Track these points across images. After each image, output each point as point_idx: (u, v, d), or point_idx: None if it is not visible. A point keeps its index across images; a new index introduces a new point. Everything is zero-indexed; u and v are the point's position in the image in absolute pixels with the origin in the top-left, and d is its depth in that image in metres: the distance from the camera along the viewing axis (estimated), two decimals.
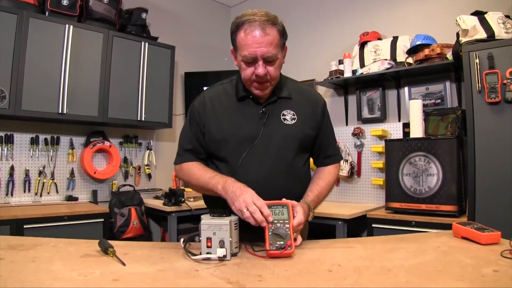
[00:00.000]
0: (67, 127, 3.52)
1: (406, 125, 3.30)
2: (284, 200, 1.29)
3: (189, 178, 1.45)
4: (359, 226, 3.27)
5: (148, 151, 4.08)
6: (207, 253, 1.15)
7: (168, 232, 3.55)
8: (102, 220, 3.14)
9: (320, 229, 2.96)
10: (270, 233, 1.19)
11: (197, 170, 1.42)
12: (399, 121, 3.51)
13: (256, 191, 1.24)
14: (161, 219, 3.90)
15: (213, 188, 1.33)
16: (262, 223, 1.19)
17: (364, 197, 3.68)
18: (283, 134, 1.41)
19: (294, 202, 1.32)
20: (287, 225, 1.22)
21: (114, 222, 3.52)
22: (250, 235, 1.26)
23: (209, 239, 1.15)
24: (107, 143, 3.70)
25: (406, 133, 3.30)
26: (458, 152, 2.68)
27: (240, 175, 1.37)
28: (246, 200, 1.20)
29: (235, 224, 1.21)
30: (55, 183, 3.45)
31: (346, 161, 3.68)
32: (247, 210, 1.19)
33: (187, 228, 3.66)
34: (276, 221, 1.22)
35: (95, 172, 3.63)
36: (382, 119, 3.60)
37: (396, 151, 2.93)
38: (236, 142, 1.40)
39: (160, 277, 1.00)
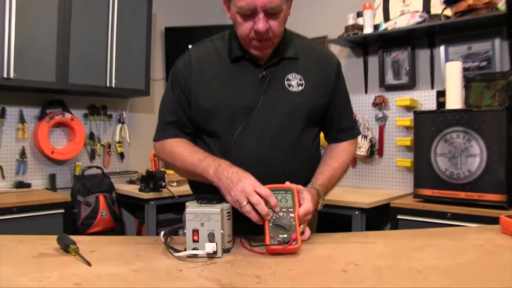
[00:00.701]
0: (15, 95, 3.51)
1: (441, 94, 3.30)
2: (288, 184, 1.30)
3: (172, 159, 1.46)
4: (381, 218, 3.31)
5: (120, 125, 4.12)
6: (194, 248, 1.16)
7: (145, 224, 3.60)
8: (62, 211, 3.16)
9: (332, 220, 2.97)
10: (271, 224, 1.21)
11: (182, 150, 1.43)
12: (432, 88, 3.52)
13: (254, 174, 1.25)
14: (136, 209, 3.96)
15: (202, 173, 1.33)
16: (267, 217, 1.20)
17: (387, 182, 3.71)
18: (287, 103, 1.42)
19: (300, 186, 1.33)
20: (292, 215, 1.23)
21: (78, 213, 3.58)
22: (246, 227, 1.28)
23: (195, 232, 1.16)
24: (67, 116, 3.71)
25: (440, 104, 3.30)
26: (508, 127, 2.68)
27: (234, 154, 1.38)
28: (246, 188, 1.20)
29: (227, 213, 1.22)
30: (0, 167, 3.45)
31: (365, 137, 3.70)
32: (247, 202, 1.20)
33: (168, 219, 3.71)
34: (278, 209, 1.24)
35: (52, 152, 3.64)
36: (410, 85, 3.60)
37: (428, 126, 2.94)
38: (230, 113, 1.40)
39: (135, 279, 1.01)
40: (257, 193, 1.20)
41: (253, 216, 1.19)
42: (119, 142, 4.15)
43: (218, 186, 1.28)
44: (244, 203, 1.19)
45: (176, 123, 1.49)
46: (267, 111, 1.41)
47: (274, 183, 1.28)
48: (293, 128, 1.44)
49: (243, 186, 1.21)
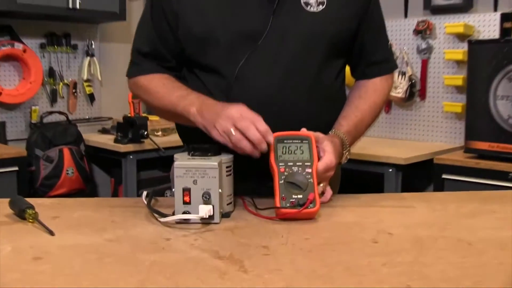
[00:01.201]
0: None
1: (507, 17, 3.23)
2: (304, 131, 1.31)
3: (148, 97, 1.50)
4: (421, 177, 3.33)
5: (89, 58, 4.09)
6: (184, 212, 1.17)
7: (123, 184, 3.64)
8: (16, 169, 3.17)
9: (360, 178, 2.99)
10: (281, 181, 1.23)
11: (160, 86, 1.45)
12: (496, 10, 3.45)
13: (263, 117, 1.26)
14: (111, 165, 3.99)
15: (183, 113, 1.35)
16: (260, 145, 1.21)
17: (430, 132, 3.73)
18: (304, 28, 1.41)
19: (319, 134, 1.33)
20: (309, 170, 1.25)
21: (37, 171, 3.60)
22: (251, 186, 1.29)
23: (186, 192, 1.17)
24: (18, 46, 3.67)
25: (505, 31, 3.25)
26: None
27: (237, 93, 1.38)
28: (232, 114, 1.23)
29: (227, 167, 1.24)
30: None
31: (403, 74, 3.67)
32: (235, 129, 1.22)
33: (152, 178, 3.76)
34: (291, 163, 1.25)
35: (0, 93, 3.63)
36: (465, 6, 3.55)
37: (487, 60, 2.91)
38: (229, 41, 1.40)
39: (109, 251, 1.01)
40: (245, 118, 1.23)
41: (245, 145, 1.21)
42: (87, 81, 4.13)
43: (203, 126, 1.30)
44: (232, 132, 1.21)
45: (152, 56, 1.50)
46: (278, 38, 1.40)
47: (286, 129, 1.29)
48: (311, 60, 1.43)
49: (229, 112, 1.24)
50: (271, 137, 1.22)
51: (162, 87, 1.44)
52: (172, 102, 1.39)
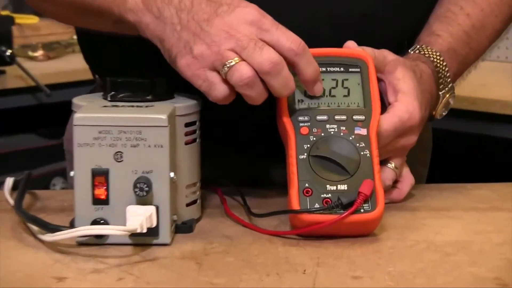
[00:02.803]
0: None
1: None
2: (352, 45, 0.88)
3: None
4: None
5: None
6: (96, 221, 0.79)
7: None
8: None
9: (473, 148, 2.42)
10: (303, 156, 0.82)
11: None
12: None
13: (277, 17, 0.83)
14: None
15: (112, 8, 0.91)
16: (287, 89, 0.79)
17: None
18: None
19: (385, 53, 0.90)
20: (361, 131, 0.82)
21: None
22: (243, 166, 0.98)
23: (100, 177, 0.79)
24: None
25: None
26: None
27: None
28: (233, 24, 0.81)
29: (189, 125, 0.85)
30: None
31: None
32: (238, 53, 0.79)
33: (27, 150, 3.01)
34: (324, 117, 0.83)
35: None
36: None
37: None
38: None
39: None
40: (260, 28, 0.80)
41: (253, 93, 0.79)
42: None
43: (157, 37, 0.85)
44: (232, 61, 0.78)
45: None
46: None
47: (326, 44, 0.87)
48: None
49: (227, 20, 0.81)
50: (317, 73, 0.80)
51: None
52: None
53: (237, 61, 0.76)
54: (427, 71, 0.95)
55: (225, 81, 0.77)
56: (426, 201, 0.95)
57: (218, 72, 0.77)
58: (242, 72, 0.75)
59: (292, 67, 0.79)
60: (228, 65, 0.76)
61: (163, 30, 0.83)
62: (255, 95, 0.78)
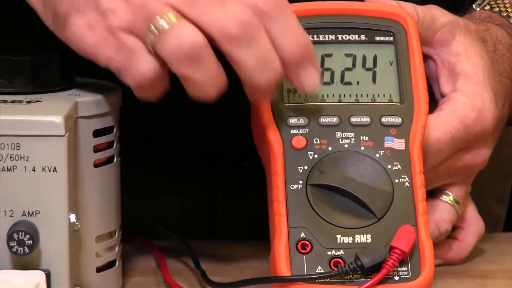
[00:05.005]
0: None
1: None
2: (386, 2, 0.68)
3: None
4: None
5: None
6: None
7: None
8: None
9: None
10: (298, 186, 0.63)
11: None
12: None
13: None
14: None
15: None
16: (267, 71, 0.56)
17: None
18: None
19: (435, 11, 0.70)
20: (396, 143, 0.63)
21: None
22: (206, 200, 0.81)
23: None
24: None
25: None
26: None
27: None
28: None
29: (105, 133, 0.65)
30: None
31: None
32: (178, 9, 0.57)
33: None
34: (334, 117, 0.63)
35: None
36: None
37: None
38: None
39: None
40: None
41: (209, 69, 0.57)
42: None
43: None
44: (170, 18, 0.55)
45: None
46: None
47: None
48: None
49: None
50: (314, 60, 0.58)
51: None
52: None
53: (174, 20, 0.52)
54: (505, 40, 0.71)
55: (153, 52, 0.53)
56: (505, 261, 0.71)
57: (141, 40, 0.52)
58: (182, 36, 0.52)
59: None
60: (158, 27, 0.52)
61: None
62: (204, 79, 0.53)
